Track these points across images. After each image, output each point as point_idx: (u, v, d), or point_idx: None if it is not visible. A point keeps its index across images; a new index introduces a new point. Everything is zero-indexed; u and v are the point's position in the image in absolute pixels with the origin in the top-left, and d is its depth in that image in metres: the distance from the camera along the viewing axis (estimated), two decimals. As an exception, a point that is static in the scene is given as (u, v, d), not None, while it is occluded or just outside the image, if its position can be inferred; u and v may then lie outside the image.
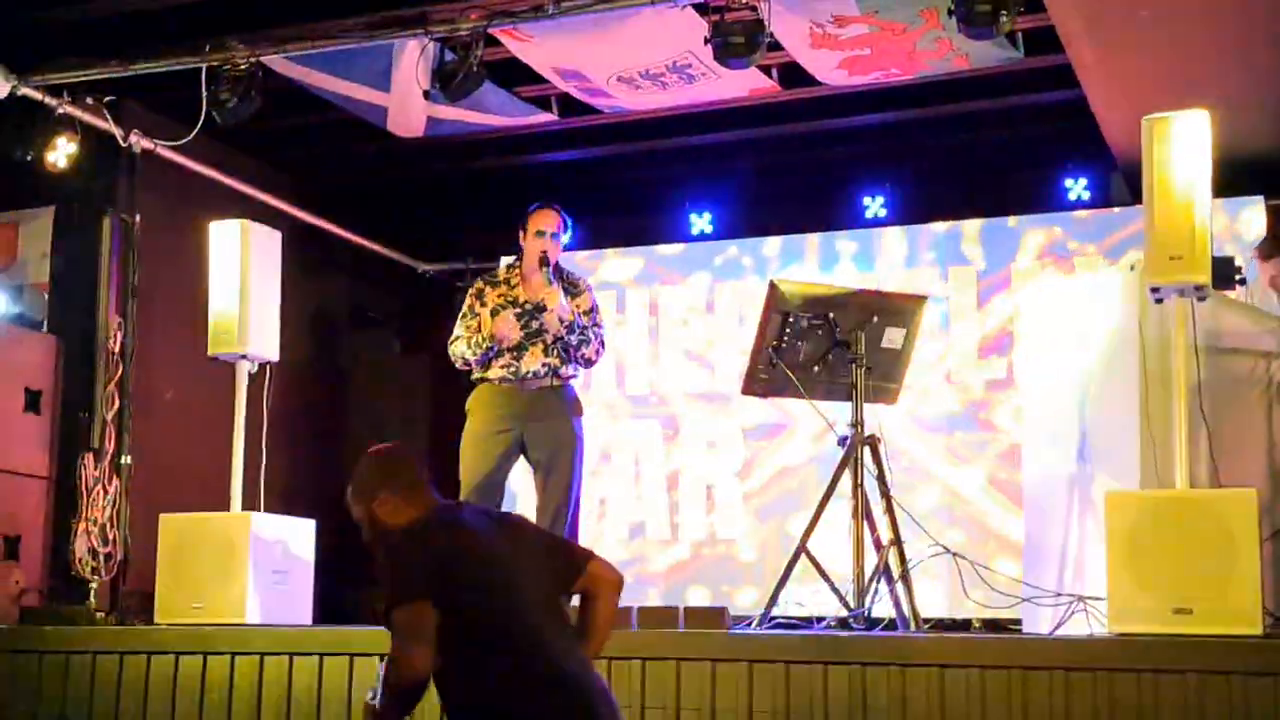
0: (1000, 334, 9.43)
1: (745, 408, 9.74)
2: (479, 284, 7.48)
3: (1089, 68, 7.49)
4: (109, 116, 7.99)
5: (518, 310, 7.25)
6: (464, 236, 10.57)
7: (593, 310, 7.41)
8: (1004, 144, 9.48)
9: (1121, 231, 9.17)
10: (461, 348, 7.28)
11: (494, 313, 7.27)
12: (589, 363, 7.37)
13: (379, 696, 4.07)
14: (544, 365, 7.23)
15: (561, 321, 7.18)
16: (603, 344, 7.39)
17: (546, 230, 7.31)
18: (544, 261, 7.23)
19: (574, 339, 7.21)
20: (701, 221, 10.21)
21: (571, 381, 7.38)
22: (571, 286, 7.40)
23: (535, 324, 7.23)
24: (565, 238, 7.41)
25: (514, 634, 4.09)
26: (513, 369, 7.24)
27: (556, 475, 7.28)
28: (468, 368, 7.34)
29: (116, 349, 7.90)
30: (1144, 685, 5.07)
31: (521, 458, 7.36)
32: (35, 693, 6.73)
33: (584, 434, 7.42)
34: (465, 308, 7.40)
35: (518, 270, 7.41)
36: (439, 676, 4.05)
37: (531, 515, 7.44)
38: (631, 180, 10.27)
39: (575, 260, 9.76)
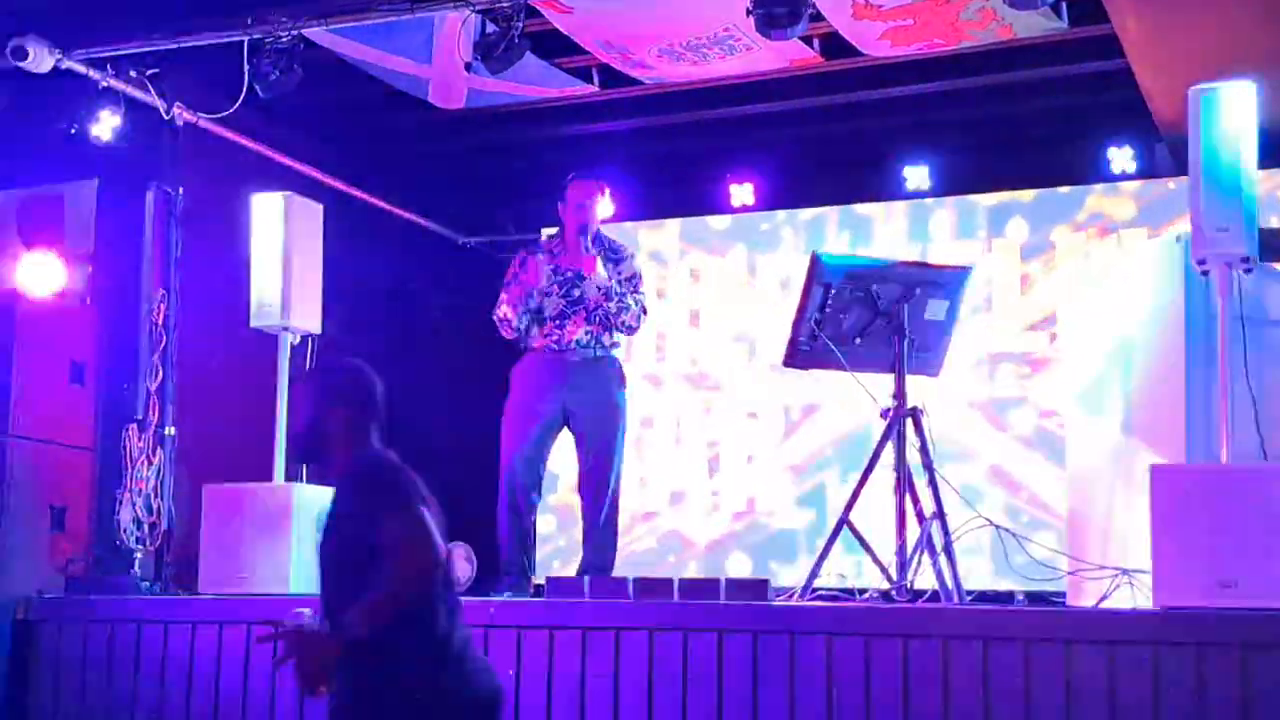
0: (1043, 306, 9.39)
1: (786, 380, 9.73)
2: (521, 254, 7.51)
3: (1134, 38, 7.43)
4: (152, 89, 8.00)
5: (559, 279, 7.27)
6: (504, 208, 10.57)
7: (635, 278, 7.41)
8: (1048, 114, 9.42)
9: (1166, 203, 9.11)
10: (504, 310, 7.30)
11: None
12: (630, 330, 7.37)
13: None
14: (587, 334, 7.25)
15: (599, 289, 7.19)
16: (644, 311, 7.39)
17: (584, 202, 7.32)
18: (582, 230, 7.24)
19: (612, 306, 7.22)
20: (743, 193, 10.17)
21: (615, 352, 7.39)
22: (613, 254, 7.41)
23: (576, 292, 7.24)
24: (605, 208, 7.40)
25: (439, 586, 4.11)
26: (555, 338, 7.25)
27: (598, 447, 7.29)
28: (514, 335, 7.35)
29: (160, 321, 7.92)
30: (1189, 659, 5.04)
31: (565, 429, 7.38)
32: (81, 662, 6.78)
33: (627, 405, 7.43)
34: (508, 277, 7.43)
35: (559, 240, 7.43)
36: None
37: (573, 486, 7.47)
38: (672, 151, 10.24)
39: (615, 230, 9.76)
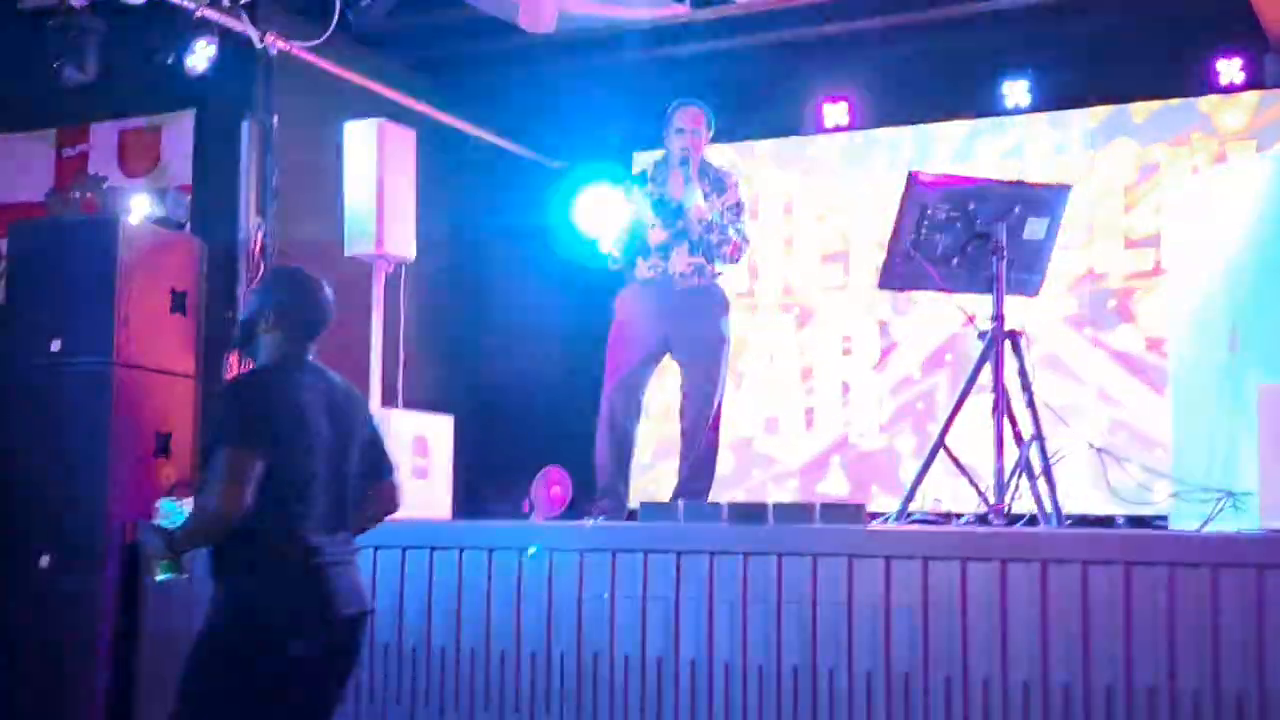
0: (1147, 223, 9.24)
1: (882, 301, 9.67)
2: (628, 181, 7.52)
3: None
4: (246, 19, 8.02)
5: (663, 209, 7.28)
6: (595, 132, 10.53)
7: (738, 206, 7.39)
8: (1152, 25, 9.20)
9: (1276, 115, 8.92)
10: (617, 242, 7.32)
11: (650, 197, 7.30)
12: (732, 260, 7.35)
13: (182, 526, 4.35)
14: (690, 264, 7.25)
15: (700, 221, 7.16)
16: (746, 240, 7.36)
17: (686, 127, 7.30)
18: (684, 160, 7.21)
19: (713, 237, 7.20)
20: (837, 112, 10.05)
21: (718, 281, 7.37)
22: (718, 182, 7.39)
23: (679, 223, 7.23)
24: (706, 133, 7.37)
25: (304, 499, 4.33)
26: (659, 268, 7.26)
27: (700, 374, 7.30)
28: (619, 266, 7.37)
29: (257, 249, 7.98)
30: (1294, 581, 4.97)
31: (667, 356, 7.39)
32: (187, 584, 6.86)
33: (730, 334, 7.42)
34: (617, 206, 7.46)
35: (663, 167, 7.41)
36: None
37: (675, 413, 7.47)
38: (764, 72, 10.13)
39: (709, 154, 9.70)
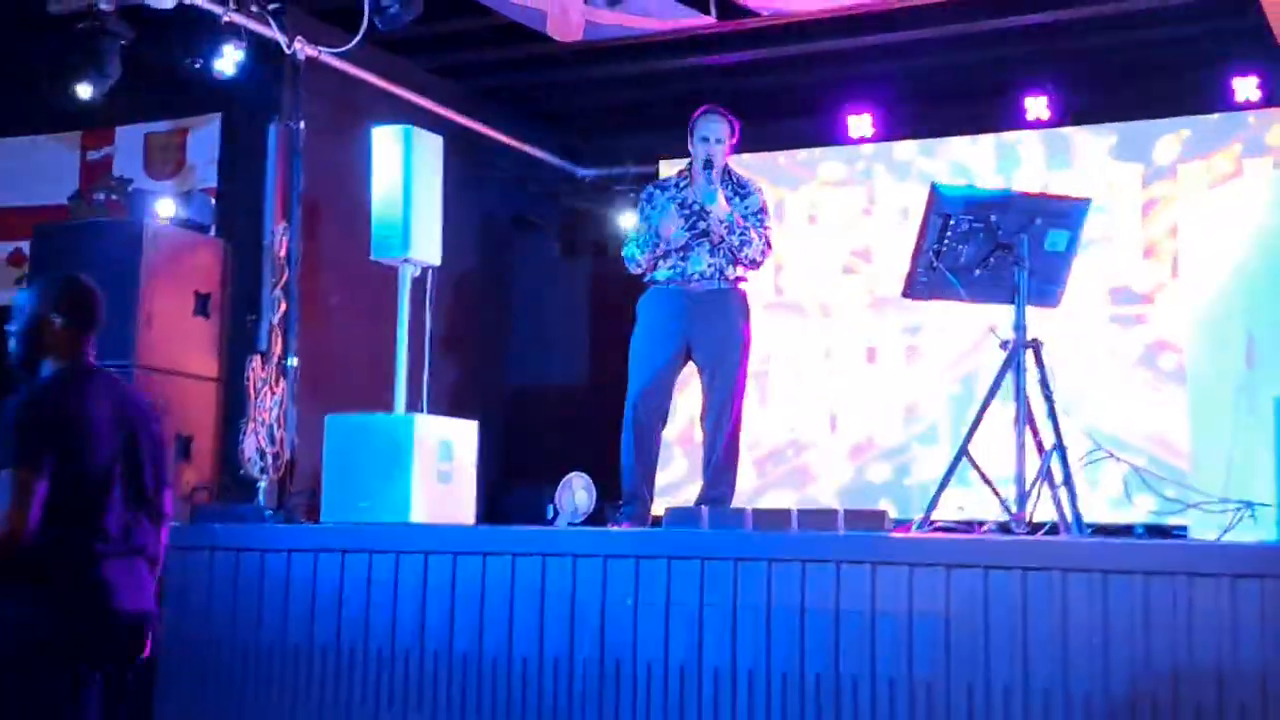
0: (1165, 236, 9.28)
1: (905, 311, 9.70)
2: (650, 188, 7.55)
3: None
4: (274, 24, 8.07)
5: (685, 211, 7.30)
6: (622, 140, 10.58)
7: (760, 213, 7.41)
8: (1169, 43, 9.25)
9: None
10: (632, 249, 7.36)
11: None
12: (754, 264, 7.37)
13: None
14: (710, 265, 7.27)
15: (721, 223, 7.19)
16: (768, 245, 7.38)
17: (710, 136, 7.32)
18: (707, 165, 7.24)
19: (735, 239, 7.22)
20: (861, 124, 10.11)
21: (740, 284, 7.40)
22: (740, 189, 7.42)
23: (701, 225, 7.26)
24: (729, 141, 7.40)
25: (92, 511, 4.32)
26: (679, 270, 7.29)
27: (721, 377, 7.31)
28: (640, 270, 7.39)
29: (283, 253, 8.02)
30: (1313, 592, 4.99)
31: (689, 361, 7.41)
32: (206, 589, 6.91)
33: (751, 337, 7.44)
34: (638, 214, 7.49)
35: (686, 173, 7.45)
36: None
37: (696, 418, 7.50)
38: (789, 83, 10.19)
39: (733, 163, 9.74)
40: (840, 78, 10.05)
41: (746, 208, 7.33)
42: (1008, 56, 9.61)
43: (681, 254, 7.29)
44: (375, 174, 7.52)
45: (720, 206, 7.17)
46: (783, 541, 5.73)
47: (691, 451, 7.73)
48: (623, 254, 7.45)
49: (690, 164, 7.42)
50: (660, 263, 7.32)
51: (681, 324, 7.29)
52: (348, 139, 8.09)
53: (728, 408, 7.29)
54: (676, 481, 10.12)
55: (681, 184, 7.41)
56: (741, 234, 7.23)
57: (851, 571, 5.55)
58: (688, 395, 7.94)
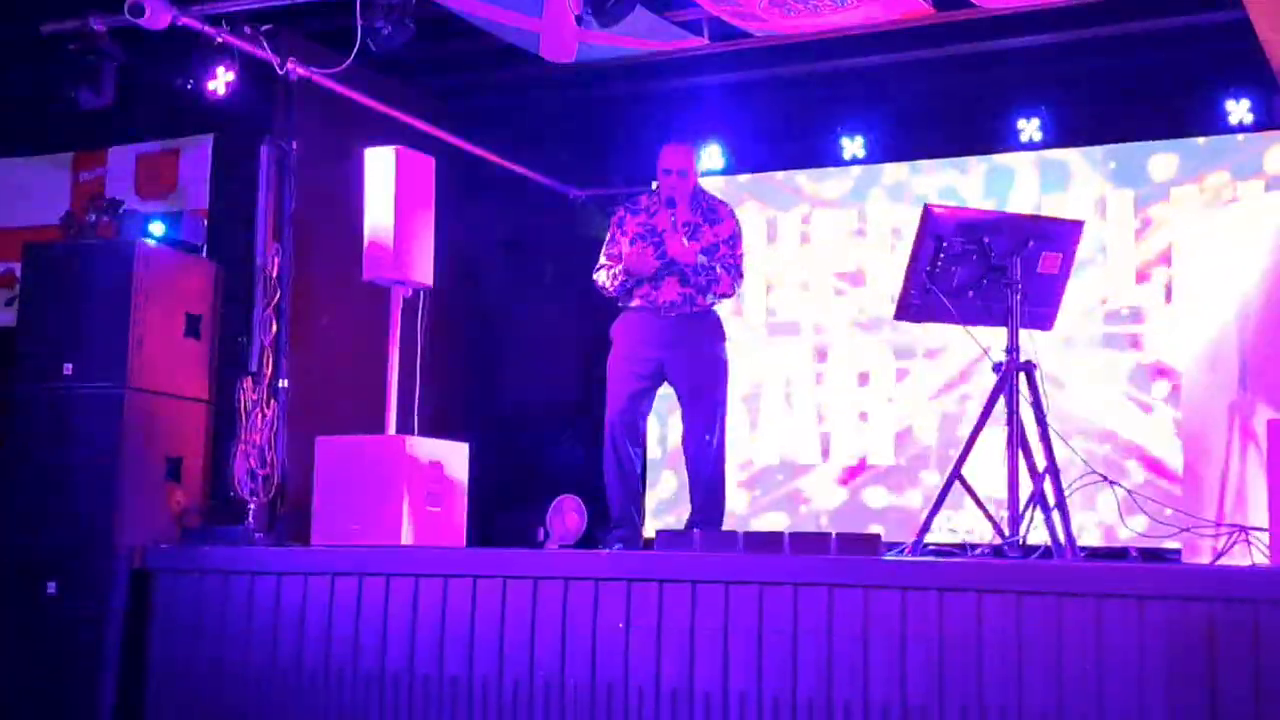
0: (1158, 259, 9.27)
1: (898, 333, 9.68)
2: (620, 211, 7.55)
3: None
4: (266, 45, 8.05)
5: (655, 239, 7.29)
6: (614, 161, 10.56)
7: (732, 238, 7.41)
8: (1163, 66, 9.25)
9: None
10: (603, 277, 7.38)
11: (633, 242, 7.32)
12: (724, 296, 7.39)
13: None
14: (681, 295, 7.27)
15: (687, 267, 7.20)
16: (739, 274, 7.39)
17: (673, 169, 7.34)
18: (670, 201, 7.24)
19: (703, 280, 7.23)
20: (854, 145, 10.09)
21: (713, 307, 7.39)
22: (711, 214, 7.41)
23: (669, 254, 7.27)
24: (693, 170, 7.40)
25: None
26: (650, 298, 7.28)
27: (700, 402, 7.31)
28: (611, 295, 7.39)
29: (274, 274, 7.99)
30: (1308, 617, 4.97)
31: (666, 385, 7.40)
32: (195, 611, 6.88)
33: (728, 359, 7.43)
34: (608, 235, 7.48)
35: (657, 198, 7.44)
36: None
37: (677, 442, 7.49)
38: (783, 104, 10.18)
39: (726, 184, 9.77)
40: (834, 100, 10.04)
41: (717, 235, 7.33)
42: (1001, 79, 9.61)
43: (653, 283, 7.29)
44: (367, 195, 7.52)
45: (686, 256, 7.17)
46: (775, 565, 5.72)
47: (683, 471, 7.69)
48: (594, 277, 7.45)
49: (659, 190, 7.42)
50: (633, 290, 7.32)
51: (654, 349, 7.30)
52: (340, 160, 8.07)
53: (709, 432, 7.29)
54: (666, 500, 10.11)
55: (652, 209, 7.41)
56: (708, 274, 7.24)
57: (844, 595, 5.54)
58: (677, 417, 7.91)
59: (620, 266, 7.32)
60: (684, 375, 7.35)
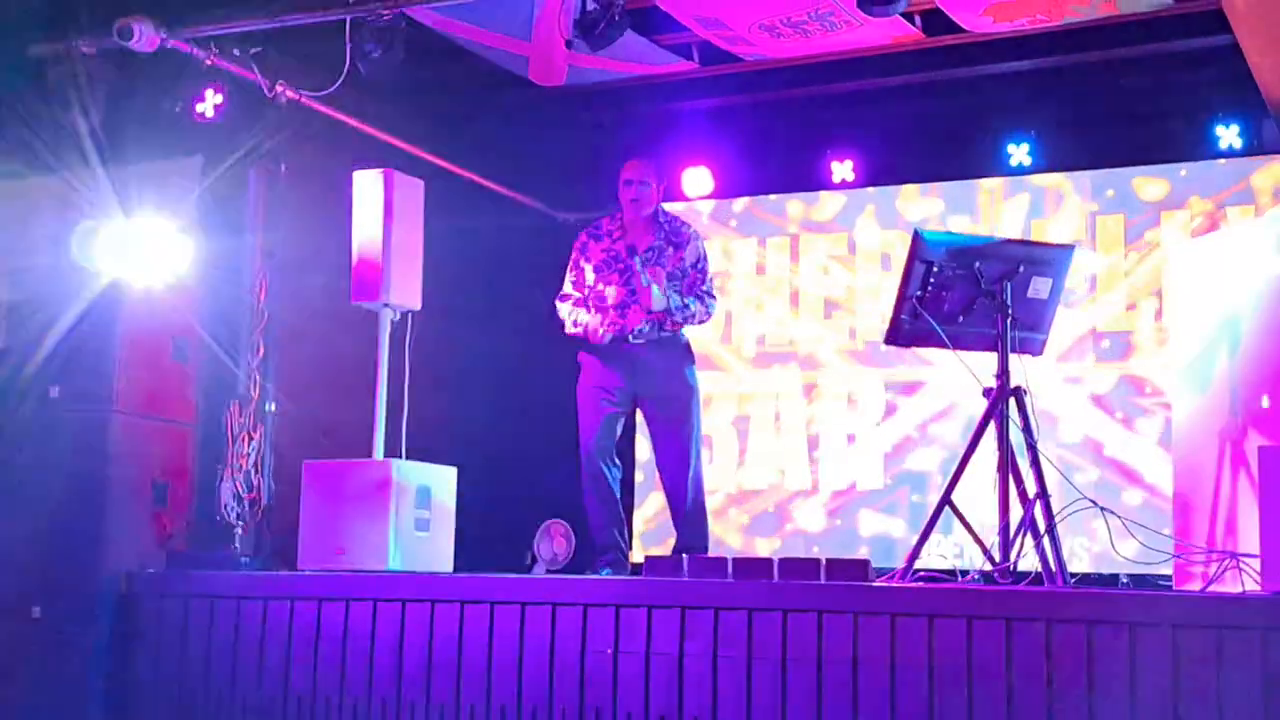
0: (1149, 284, 9.28)
1: (888, 358, 9.67)
2: (583, 236, 7.53)
3: (1240, 12, 7.29)
4: (255, 68, 8.04)
5: (620, 266, 7.28)
6: (603, 185, 10.54)
7: (700, 261, 7.40)
8: (1152, 91, 9.27)
9: (1275, 179, 8.97)
10: (564, 313, 7.38)
11: (597, 270, 7.30)
12: (698, 324, 7.38)
13: None
14: (648, 323, 7.24)
15: (656, 310, 7.18)
16: (712, 298, 7.38)
17: (634, 179, 7.35)
18: (632, 249, 7.20)
19: (678, 317, 7.22)
20: (843, 169, 10.09)
21: (680, 331, 7.37)
22: (674, 236, 7.39)
23: (635, 283, 7.24)
24: (654, 185, 7.41)
25: None
26: (618, 327, 7.26)
27: (672, 427, 7.30)
28: (575, 333, 7.38)
29: (261, 297, 7.97)
30: (1300, 644, 4.95)
31: (638, 411, 7.40)
32: (181, 636, 6.85)
33: (697, 382, 7.41)
34: (570, 260, 7.46)
35: (620, 221, 7.42)
36: None
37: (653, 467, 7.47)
38: (772, 128, 10.19)
39: (715, 207, 9.76)
40: (823, 123, 10.05)
41: (682, 259, 7.31)
42: (991, 103, 9.62)
43: (620, 311, 7.27)
44: (356, 217, 7.50)
45: (658, 301, 7.16)
46: (764, 591, 5.70)
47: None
48: (556, 302, 7.44)
49: (622, 213, 7.42)
50: (599, 317, 7.29)
51: (624, 378, 7.30)
52: (329, 182, 8.04)
53: (684, 459, 7.28)
54: (652, 520, 10.09)
55: (615, 234, 7.40)
56: (681, 311, 7.22)
57: (834, 621, 5.52)
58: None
59: (580, 317, 7.31)
60: (655, 402, 7.35)
